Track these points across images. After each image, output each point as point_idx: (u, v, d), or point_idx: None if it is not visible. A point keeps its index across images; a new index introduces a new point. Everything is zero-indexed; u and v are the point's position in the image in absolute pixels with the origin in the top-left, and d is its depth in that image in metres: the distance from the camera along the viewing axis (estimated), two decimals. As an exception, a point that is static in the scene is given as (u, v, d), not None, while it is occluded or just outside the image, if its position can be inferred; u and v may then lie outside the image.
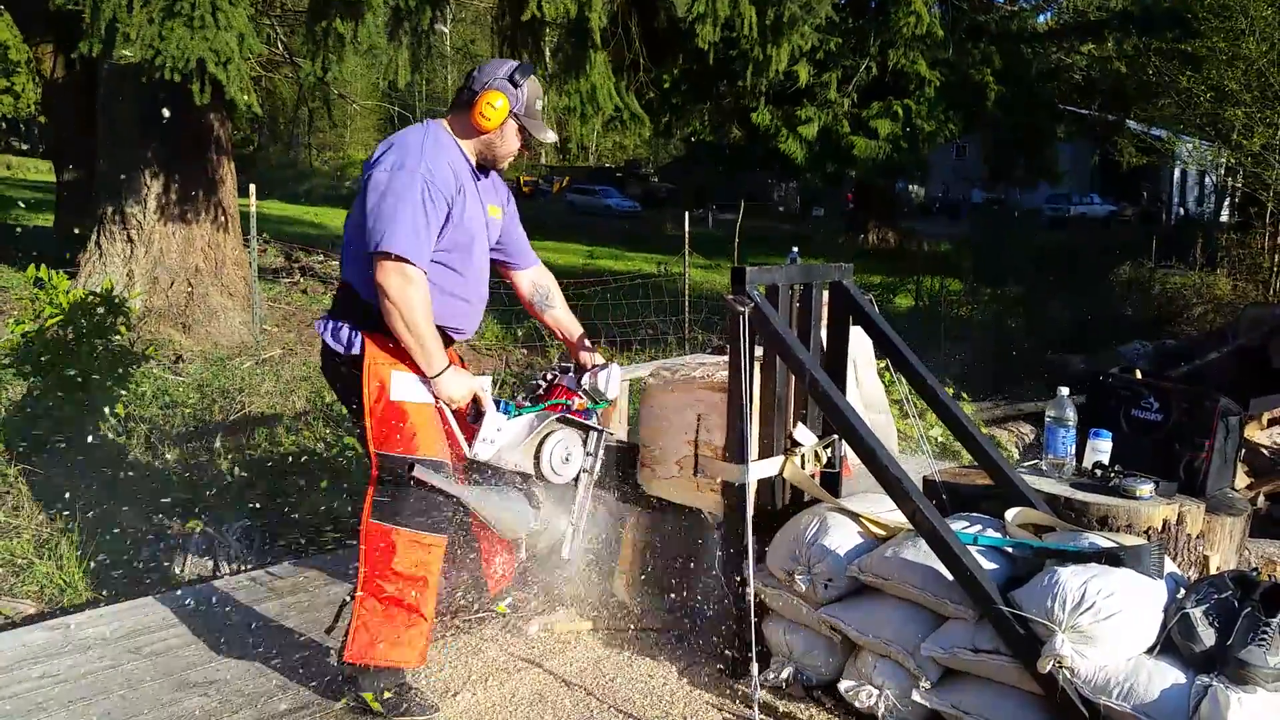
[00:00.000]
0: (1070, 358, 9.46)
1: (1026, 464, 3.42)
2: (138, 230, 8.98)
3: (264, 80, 11.63)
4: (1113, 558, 2.47)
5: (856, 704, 2.65)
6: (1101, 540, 2.62)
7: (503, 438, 2.84)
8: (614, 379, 3.11)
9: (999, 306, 11.70)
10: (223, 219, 9.54)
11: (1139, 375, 3.80)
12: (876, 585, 2.69)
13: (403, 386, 2.73)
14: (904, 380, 3.16)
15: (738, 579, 2.89)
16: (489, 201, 2.94)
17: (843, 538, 2.77)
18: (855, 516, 2.85)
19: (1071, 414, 3.22)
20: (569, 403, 3.06)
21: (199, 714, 2.76)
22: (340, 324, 2.78)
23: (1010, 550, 2.66)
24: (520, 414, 2.91)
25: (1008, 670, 2.46)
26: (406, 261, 2.58)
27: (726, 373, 2.96)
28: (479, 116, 2.75)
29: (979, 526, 2.79)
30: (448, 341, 2.87)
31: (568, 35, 8.63)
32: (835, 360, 3.15)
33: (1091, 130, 27.52)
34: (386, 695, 2.73)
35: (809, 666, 2.82)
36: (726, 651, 2.97)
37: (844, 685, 2.69)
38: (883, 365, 5.74)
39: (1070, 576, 2.40)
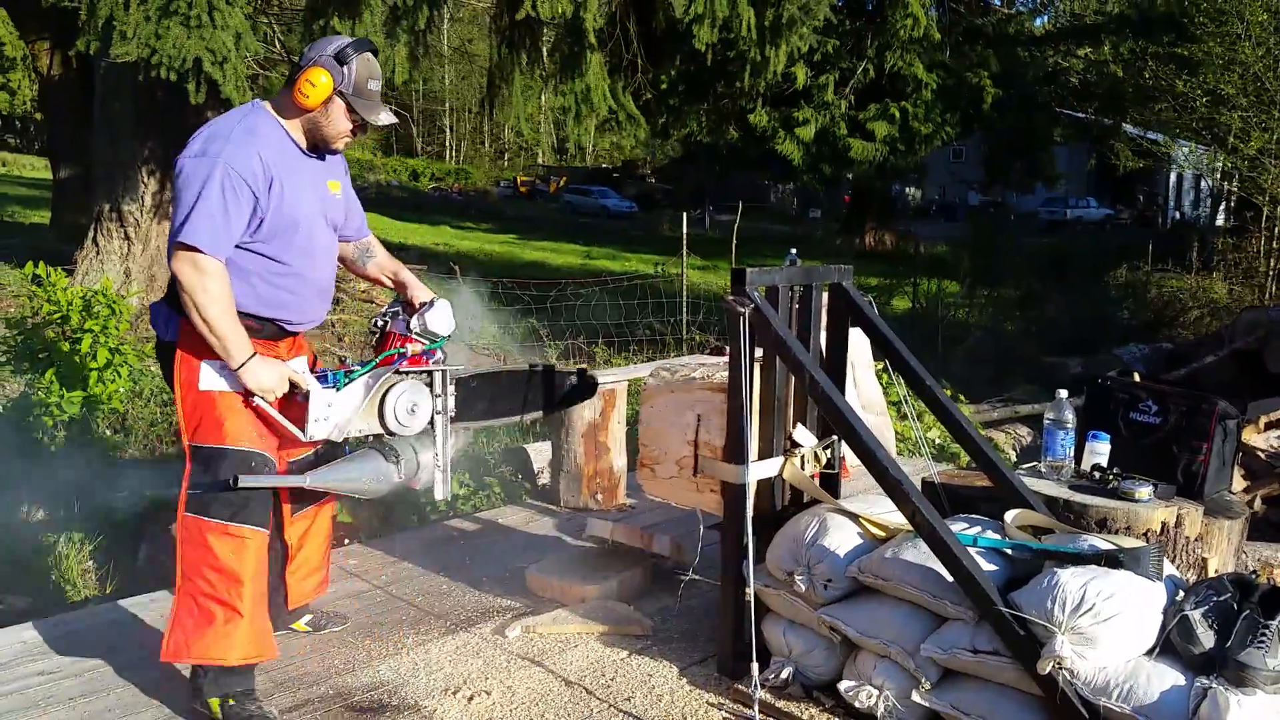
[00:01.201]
0: (1067, 360, 9.49)
1: (1025, 466, 3.43)
2: (135, 228, 8.97)
3: (260, 79, 11.60)
4: (1112, 560, 2.48)
5: (856, 704, 2.66)
6: (1101, 542, 2.63)
7: (337, 411, 2.78)
8: (443, 313, 2.99)
9: (996, 309, 11.73)
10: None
11: (1137, 378, 3.81)
12: (876, 586, 2.69)
13: (210, 376, 2.67)
14: (903, 382, 3.16)
15: (736, 579, 2.90)
16: (327, 179, 2.85)
17: (842, 538, 2.77)
18: (855, 517, 2.85)
19: (1070, 416, 3.23)
20: (403, 351, 2.96)
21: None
22: (163, 309, 2.74)
23: (1009, 552, 2.66)
24: (351, 379, 2.84)
25: (1007, 671, 2.47)
26: (199, 251, 2.51)
27: (726, 373, 2.96)
28: (298, 93, 2.63)
29: (978, 528, 2.79)
30: (282, 333, 2.81)
31: (564, 35, 8.64)
32: (835, 362, 3.15)
33: (1088, 133, 27.64)
34: (229, 704, 2.67)
35: (808, 666, 2.82)
36: (725, 652, 2.98)
37: (844, 685, 2.69)
38: (880, 367, 5.77)
39: (1070, 578, 2.41)
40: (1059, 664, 2.34)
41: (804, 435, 3.01)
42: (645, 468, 3.31)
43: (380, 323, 3.06)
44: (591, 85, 8.38)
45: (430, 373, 2.98)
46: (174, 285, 2.66)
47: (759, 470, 2.88)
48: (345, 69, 2.64)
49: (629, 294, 10.82)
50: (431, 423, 3.00)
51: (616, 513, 4.69)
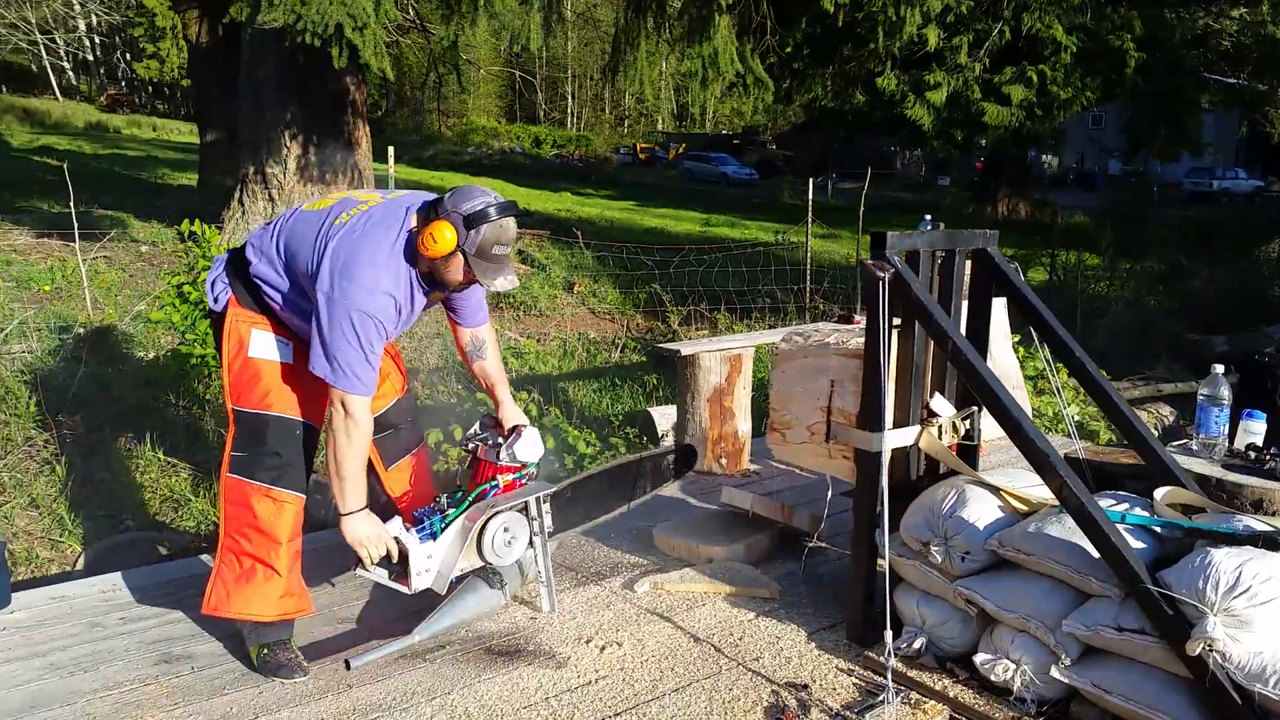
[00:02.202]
0: (1212, 338, 9.04)
1: (1175, 444, 3.31)
2: (278, 189, 9.37)
3: (395, 45, 11.90)
4: (1270, 542, 2.37)
5: (992, 678, 2.62)
6: (1256, 523, 2.52)
7: (436, 561, 2.87)
8: (531, 442, 3.04)
9: (1138, 283, 11.22)
10: (358, 180, 9.86)
11: (1297, 355, 3.62)
12: (1017, 560, 2.64)
13: (260, 344, 2.77)
14: (1049, 353, 3.07)
15: (869, 547, 2.89)
16: (433, 292, 2.84)
17: (981, 510, 2.73)
18: (995, 490, 2.80)
19: (1226, 393, 3.09)
20: (494, 483, 3.02)
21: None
22: (216, 280, 2.85)
23: (1159, 529, 2.58)
24: (448, 521, 2.92)
25: (1153, 651, 2.40)
26: (351, 395, 2.62)
27: (861, 340, 2.93)
28: (425, 241, 2.62)
29: (1126, 505, 2.71)
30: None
31: (694, -2, 8.58)
32: (977, 330, 3.08)
33: (1239, 100, 25.94)
34: (264, 651, 2.78)
35: (942, 638, 2.80)
36: (856, 619, 2.97)
37: (980, 658, 2.66)
38: (1015, 340, 5.61)
39: (1224, 558, 2.32)
40: (1210, 646, 2.26)
41: (942, 405, 2.96)
42: (775, 432, 3.32)
43: (472, 446, 3.13)
44: (719, 48, 8.30)
45: (524, 501, 3.04)
46: (232, 261, 2.83)
47: (894, 439, 2.85)
48: (472, 233, 2.63)
49: (750, 261, 10.77)
50: (531, 543, 3.07)
51: (741, 478, 4.71)
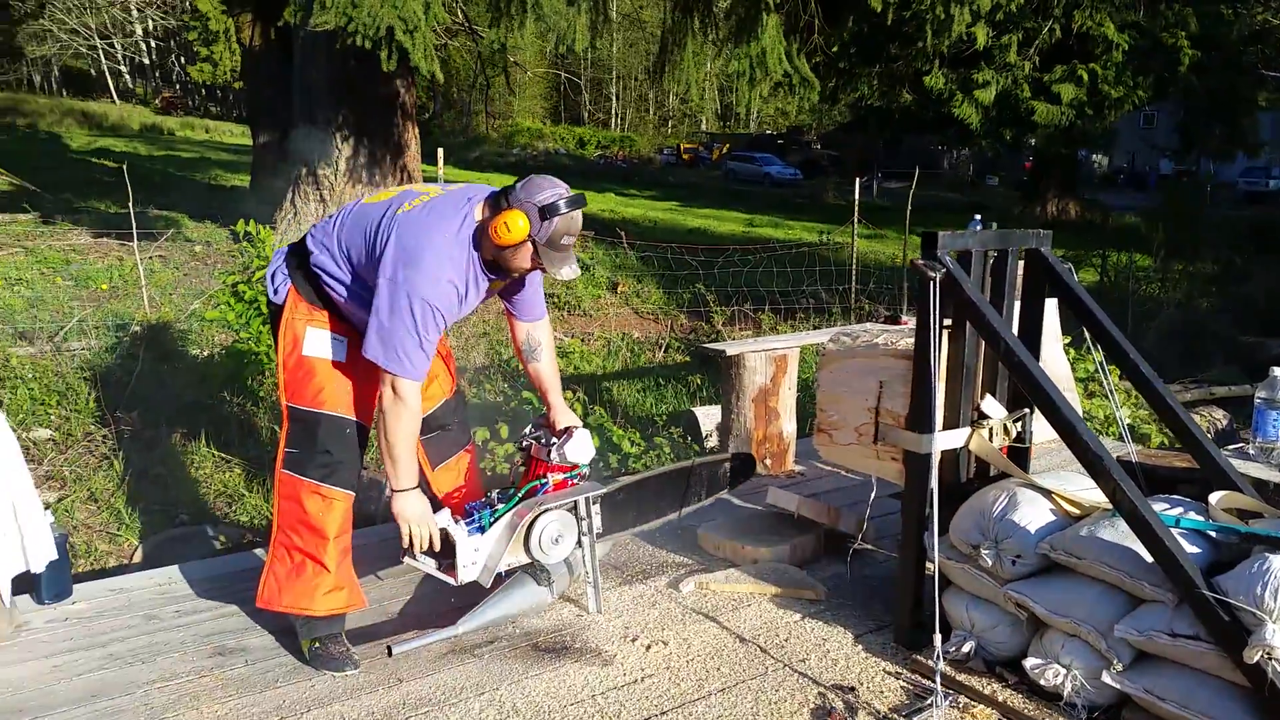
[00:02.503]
0: (1267, 341, 8.85)
1: (1231, 447, 3.25)
2: (329, 190, 9.50)
3: (443, 48, 12.02)
4: (1333, 549, 2.32)
5: (1042, 682, 2.59)
6: (1318, 530, 2.47)
7: (483, 554, 2.90)
8: (582, 443, 3.06)
9: (1190, 284, 11.01)
10: (407, 182, 9.97)
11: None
12: (1069, 564, 2.61)
13: (315, 343, 2.81)
14: (1102, 355, 3.02)
15: (917, 550, 2.87)
16: (494, 280, 2.88)
17: (1033, 514, 2.70)
18: (1047, 493, 2.77)
19: (1286, 397, 3.03)
20: (544, 481, 3.05)
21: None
22: (276, 271, 2.90)
23: (1214, 534, 2.54)
24: (497, 516, 2.95)
25: (1208, 657, 2.36)
26: (402, 378, 2.67)
27: (910, 340, 2.92)
28: (496, 230, 2.67)
29: (1180, 509, 2.67)
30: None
31: (742, -2, 8.56)
32: (1029, 332, 3.05)
33: (1298, 97, 25.33)
34: (315, 645, 2.84)
35: (991, 642, 2.77)
36: (903, 622, 2.96)
37: (1030, 663, 2.63)
38: (1066, 342, 5.53)
39: (1284, 565, 2.27)
40: (1269, 654, 2.22)
41: (993, 406, 2.93)
42: (823, 433, 3.31)
43: (526, 444, 3.17)
44: (767, 48, 8.27)
45: (574, 500, 3.06)
46: (293, 254, 2.86)
47: (944, 440, 2.83)
48: (546, 223, 2.69)
49: (794, 261, 10.73)
50: (579, 543, 3.09)
51: (786, 478, 4.70)
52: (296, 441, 2.84)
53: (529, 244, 2.71)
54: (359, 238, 2.77)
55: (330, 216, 2.94)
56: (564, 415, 3.16)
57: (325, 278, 2.83)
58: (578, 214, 2.76)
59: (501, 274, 2.84)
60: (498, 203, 2.73)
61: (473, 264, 2.76)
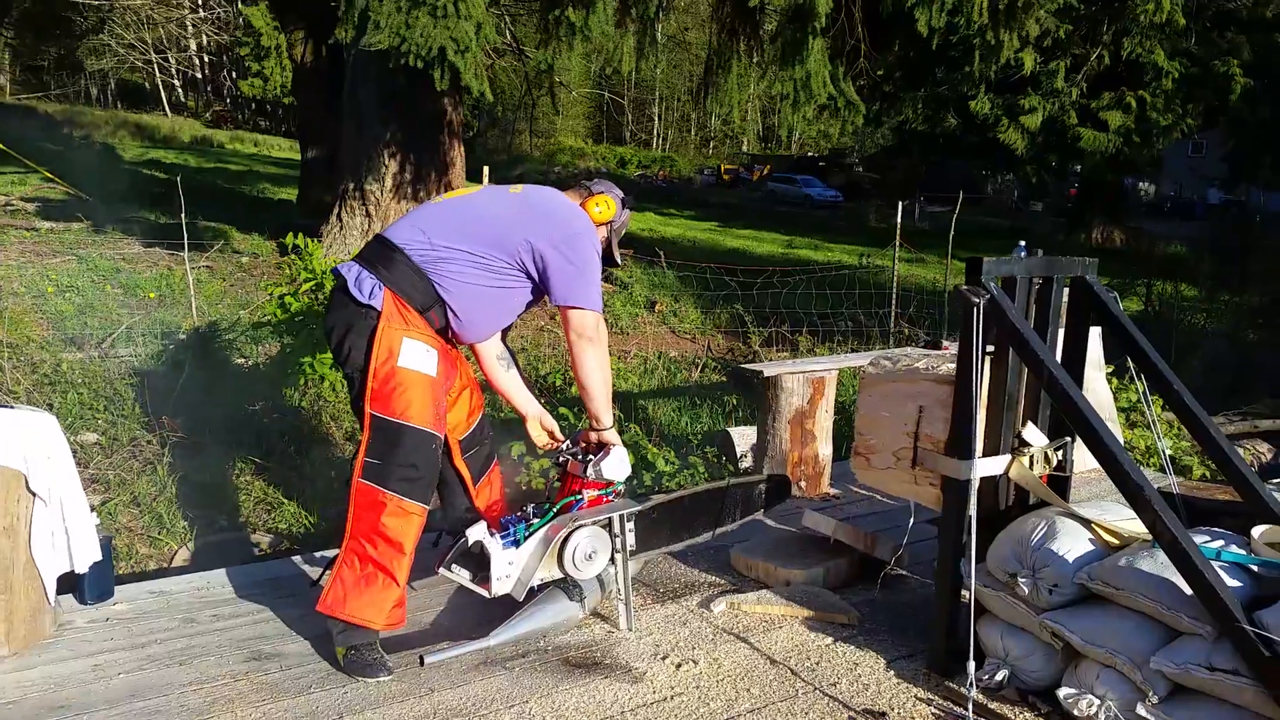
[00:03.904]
0: (1317, 376, 8.65)
1: (1274, 481, 3.19)
2: (375, 205, 9.63)
3: (490, 68, 12.18)
4: (1380, 587, 2.28)
5: (1075, 713, 2.56)
6: (1366, 568, 2.42)
7: (517, 568, 2.92)
8: (619, 461, 3.10)
9: (1237, 316, 10.82)
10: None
11: None
12: (1106, 594, 2.58)
13: (411, 355, 2.83)
14: (1145, 386, 2.99)
15: (953, 576, 2.85)
16: None
17: (1071, 543, 2.67)
18: (1086, 522, 2.74)
19: (1335, 431, 2.97)
20: (579, 497, 3.07)
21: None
22: (366, 275, 2.87)
23: (1256, 568, 2.49)
24: (532, 531, 2.97)
25: (1246, 693, 2.32)
26: (599, 313, 2.97)
27: (951, 365, 2.90)
28: (592, 207, 3.10)
29: (1221, 542, 2.63)
30: (448, 339, 3.02)
31: (787, 21, 8.59)
32: (1073, 360, 3.02)
33: (1354, 128, 24.86)
34: (350, 652, 2.84)
35: (1025, 671, 2.74)
36: (937, 649, 2.93)
37: (1063, 693, 2.60)
38: (1109, 371, 5.47)
39: (1330, 603, 2.23)
40: (1313, 694, 2.18)
41: (1034, 434, 2.90)
42: (860, 456, 3.30)
43: (563, 460, 3.20)
44: (813, 71, 8.29)
45: (608, 518, 3.08)
46: (384, 257, 2.89)
47: (984, 467, 2.80)
48: (623, 213, 3.19)
49: (834, 284, 10.69)
50: (612, 560, 3.11)
51: (820, 501, 4.68)
52: (378, 452, 2.82)
53: (607, 228, 3.14)
54: (470, 221, 2.93)
55: (406, 221, 3.01)
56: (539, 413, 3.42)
57: (442, 265, 2.88)
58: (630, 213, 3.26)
59: None
60: (579, 190, 3.16)
61: None
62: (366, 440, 2.83)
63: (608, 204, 3.11)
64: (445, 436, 3.03)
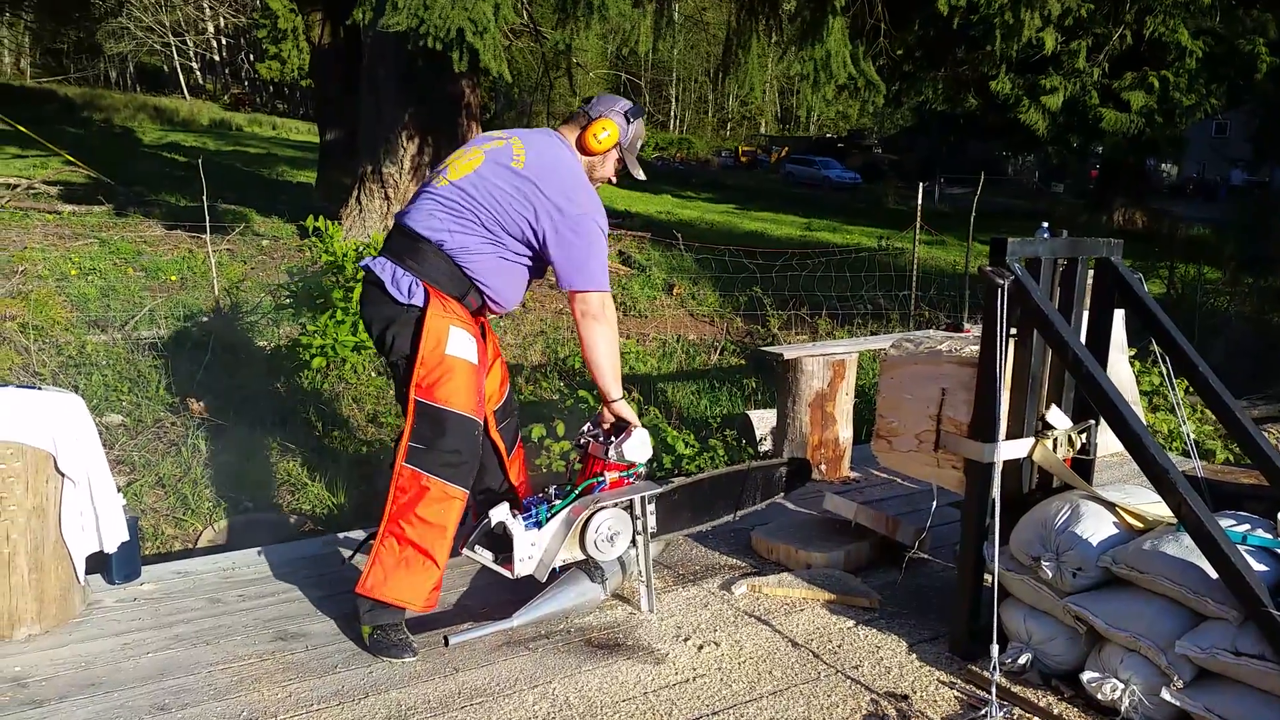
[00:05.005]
0: (1343, 359, 8.56)
1: (1303, 466, 3.16)
2: (394, 188, 9.64)
3: (508, 49, 12.14)
4: None
5: (1099, 697, 2.56)
6: (1394, 553, 2.40)
7: (539, 549, 2.94)
8: (640, 443, 3.09)
9: (1261, 298, 10.71)
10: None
11: None
12: (1130, 578, 2.57)
13: (458, 343, 2.87)
14: (1170, 368, 2.97)
15: (976, 559, 2.84)
16: None
17: (1096, 526, 2.66)
18: (1111, 506, 2.73)
19: (1363, 415, 2.94)
20: (601, 479, 3.08)
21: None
22: (402, 273, 2.89)
23: (1283, 553, 2.48)
24: (554, 512, 2.98)
25: (1272, 678, 2.31)
26: (607, 293, 2.95)
27: (974, 348, 2.89)
28: (590, 138, 3.01)
29: (1247, 526, 2.61)
30: (481, 311, 3.04)
31: (808, 0, 8.52)
32: (1097, 342, 3.00)
33: (1384, 107, 24.49)
34: (376, 632, 2.87)
35: (1048, 655, 2.74)
36: (959, 632, 2.93)
37: (1087, 676, 2.60)
38: (1132, 354, 5.42)
39: (1358, 588, 2.22)
40: (1340, 679, 2.17)
41: (1058, 417, 2.89)
42: (882, 439, 3.29)
43: (584, 441, 3.20)
44: (833, 51, 8.23)
45: (630, 499, 3.09)
46: (414, 251, 2.91)
47: (1007, 450, 2.79)
48: (628, 128, 3.07)
49: (853, 266, 10.65)
50: (634, 542, 3.12)
51: (841, 484, 4.68)
52: (422, 437, 2.85)
53: (616, 150, 3.07)
54: (493, 200, 2.89)
55: (412, 209, 2.99)
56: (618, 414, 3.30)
57: (469, 255, 2.90)
58: (643, 121, 3.12)
59: None
60: (578, 121, 3.05)
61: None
62: (411, 425, 2.86)
63: (608, 128, 3.01)
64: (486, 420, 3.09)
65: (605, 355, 2.97)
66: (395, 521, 2.86)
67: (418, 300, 2.87)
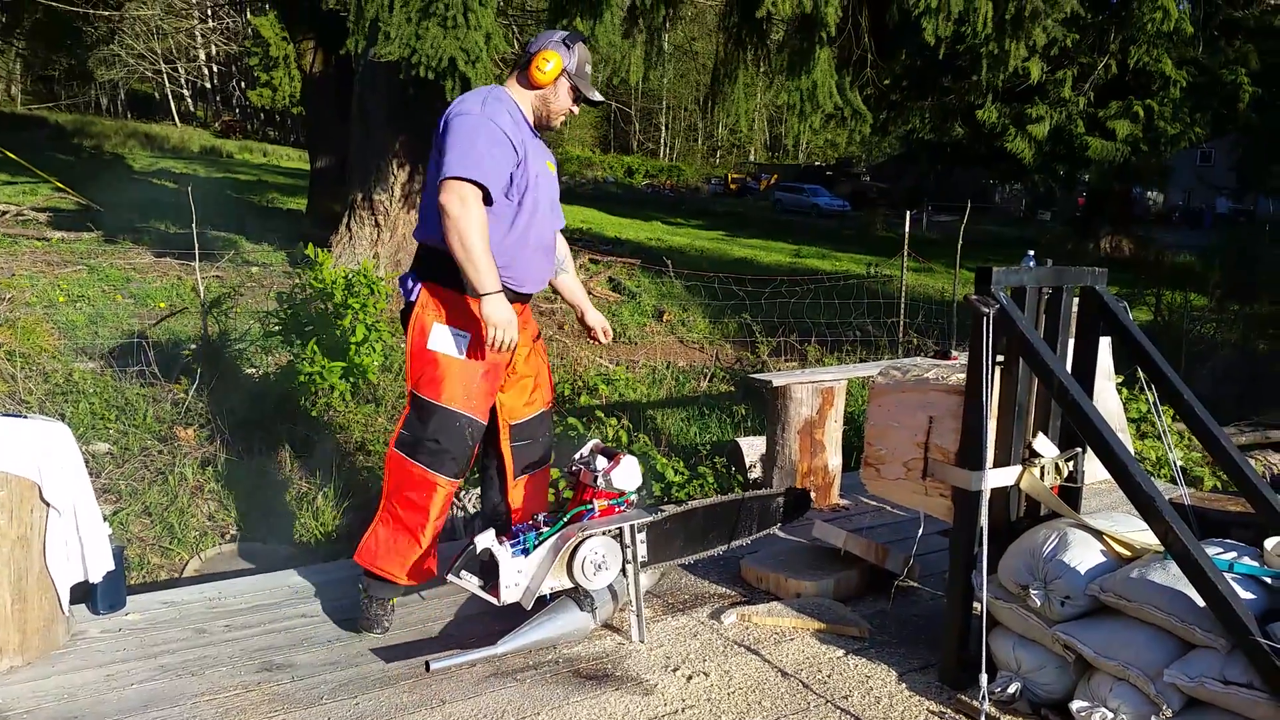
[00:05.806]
0: (1328, 386, 8.62)
1: (1288, 493, 3.17)
2: (384, 215, 9.65)
3: (500, 78, 12.22)
4: (1395, 600, 2.27)
5: (1089, 727, 2.55)
6: (1380, 581, 2.41)
7: (526, 576, 2.96)
8: (629, 470, 3.12)
9: (1247, 326, 10.79)
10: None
11: None
12: (1118, 606, 2.57)
13: (439, 338, 3.00)
14: (1155, 395, 2.99)
15: (964, 588, 2.84)
16: (546, 158, 3.18)
17: (1083, 554, 2.66)
18: (1098, 534, 2.73)
19: (1348, 443, 2.96)
20: (590, 507, 3.10)
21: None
22: (409, 276, 3.10)
23: (1269, 580, 2.49)
24: (542, 539, 3.00)
25: (1261, 707, 2.31)
26: (466, 181, 2.81)
27: (961, 376, 2.90)
28: (535, 71, 3.02)
29: (1234, 553, 2.62)
30: (513, 297, 3.05)
31: (794, 31, 8.60)
32: (1083, 370, 3.02)
33: (1365, 137, 24.80)
34: (364, 602, 3.16)
35: (1037, 684, 2.73)
36: (949, 661, 2.92)
37: (1076, 706, 2.59)
38: (1119, 381, 5.46)
39: (1345, 616, 2.23)
40: (1328, 707, 2.17)
41: (1045, 445, 2.90)
42: (870, 467, 3.30)
43: (575, 469, 3.22)
44: (819, 81, 8.30)
45: (619, 528, 3.09)
46: (416, 256, 3.10)
47: (995, 478, 2.80)
48: (570, 53, 3.06)
49: (842, 293, 10.69)
50: (624, 571, 3.12)
51: (830, 512, 4.67)
52: (411, 426, 3.07)
53: (565, 77, 3.06)
54: (433, 166, 2.96)
55: (421, 217, 3.15)
56: (593, 318, 3.48)
57: (437, 241, 2.96)
58: (585, 45, 3.15)
59: (539, 130, 3.15)
60: (521, 64, 3.08)
61: (515, 109, 3.03)
62: (405, 414, 3.11)
63: (550, 58, 3.03)
64: (493, 419, 3.22)
65: (471, 247, 2.81)
66: (390, 501, 3.12)
67: (414, 297, 3.06)
